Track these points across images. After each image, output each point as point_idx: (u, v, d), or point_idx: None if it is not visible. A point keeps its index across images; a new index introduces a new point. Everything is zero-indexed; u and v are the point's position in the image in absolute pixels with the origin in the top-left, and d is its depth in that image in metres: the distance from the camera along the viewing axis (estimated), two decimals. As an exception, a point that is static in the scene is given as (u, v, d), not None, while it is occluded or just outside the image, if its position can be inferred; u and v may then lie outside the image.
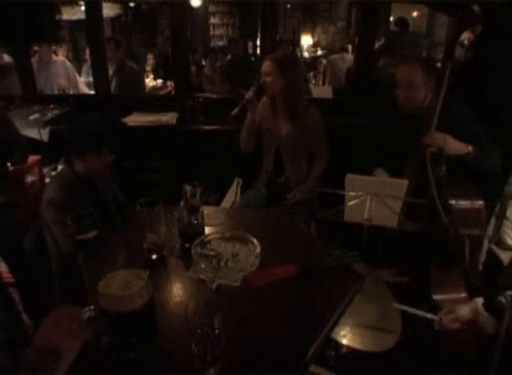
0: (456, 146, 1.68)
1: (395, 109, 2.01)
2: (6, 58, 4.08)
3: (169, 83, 4.81)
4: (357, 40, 3.14)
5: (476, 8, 1.56)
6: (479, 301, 1.32)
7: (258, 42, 4.21)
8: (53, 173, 2.51)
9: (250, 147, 2.31)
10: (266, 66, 2.13)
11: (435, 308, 1.60)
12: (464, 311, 1.31)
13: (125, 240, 1.32)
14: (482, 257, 1.93)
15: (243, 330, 0.93)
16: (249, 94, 2.13)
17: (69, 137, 1.77)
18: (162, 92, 4.64)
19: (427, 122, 1.74)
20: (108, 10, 5.78)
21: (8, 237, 2.10)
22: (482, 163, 1.72)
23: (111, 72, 3.59)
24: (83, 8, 3.73)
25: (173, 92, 3.59)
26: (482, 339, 1.28)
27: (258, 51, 4.55)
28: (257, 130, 2.27)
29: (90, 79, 3.74)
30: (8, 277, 2.26)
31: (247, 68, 4.50)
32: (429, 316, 1.32)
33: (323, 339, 0.87)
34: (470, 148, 1.69)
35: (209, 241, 1.25)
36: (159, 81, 4.99)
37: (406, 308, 1.27)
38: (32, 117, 2.73)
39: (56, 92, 3.59)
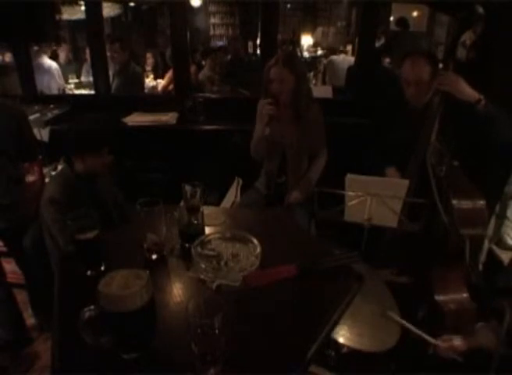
0: (467, 89, 1.66)
1: (396, 107, 2.02)
2: (7, 57, 4.08)
3: (159, 81, 4.90)
4: (357, 40, 3.14)
5: (479, 8, 1.56)
6: (484, 328, 1.30)
7: (258, 42, 4.21)
8: (53, 173, 2.51)
9: (263, 155, 2.27)
10: (280, 73, 2.04)
11: (435, 308, 1.61)
12: (463, 343, 1.30)
13: (125, 240, 1.33)
14: (482, 257, 1.93)
15: (243, 330, 0.92)
16: (272, 109, 2.02)
17: (69, 138, 1.78)
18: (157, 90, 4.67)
19: (428, 119, 1.75)
20: (108, 10, 5.78)
21: (8, 237, 2.11)
22: (495, 117, 1.67)
23: (112, 72, 3.60)
24: (83, 8, 3.73)
25: (173, 92, 3.59)
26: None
27: (258, 51, 4.55)
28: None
29: (91, 79, 3.75)
30: (13, 277, 2.27)
31: (248, 68, 4.50)
32: (427, 337, 1.31)
33: (323, 339, 0.87)
34: (482, 96, 1.66)
35: (209, 241, 1.25)
36: (159, 81, 4.99)
37: (404, 322, 1.26)
38: (32, 117, 2.73)
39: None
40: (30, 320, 2.23)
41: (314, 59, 6.70)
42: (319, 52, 7.45)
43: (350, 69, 3.97)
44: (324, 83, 5.24)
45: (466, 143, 1.80)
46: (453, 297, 1.62)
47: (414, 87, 1.86)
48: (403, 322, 1.27)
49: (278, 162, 2.24)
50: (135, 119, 3.02)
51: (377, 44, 3.72)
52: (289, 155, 2.21)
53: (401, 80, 1.92)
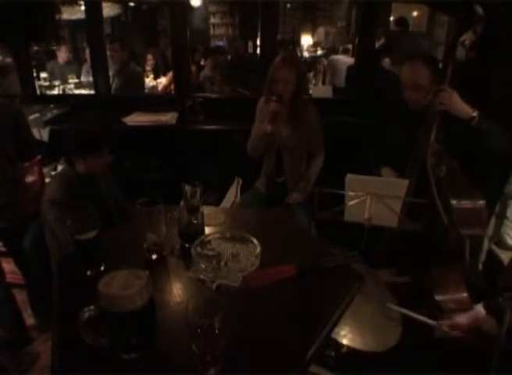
0: (462, 105, 1.68)
1: (396, 107, 2.02)
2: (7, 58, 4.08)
3: (159, 81, 4.92)
4: (357, 40, 3.14)
5: (478, 8, 1.56)
6: (480, 307, 1.30)
7: (258, 42, 4.21)
8: (53, 173, 2.51)
9: (260, 153, 2.28)
10: (286, 74, 2.05)
11: (435, 308, 1.61)
12: (463, 318, 1.30)
13: (125, 240, 1.33)
14: (482, 257, 1.93)
15: (243, 330, 0.92)
16: (277, 106, 2.01)
17: (69, 138, 1.78)
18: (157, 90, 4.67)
19: (427, 119, 1.75)
20: (108, 10, 5.77)
21: (7, 236, 2.11)
22: (489, 131, 1.68)
23: (112, 72, 3.60)
24: (83, 8, 3.73)
25: (173, 92, 3.59)
26: (482, 339, 1.28)
27: (258, 51, 4.54)
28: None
29: (90, 79, 3.75)
30: (12, 277, 2.27)
31: (247, 68, 4.50)
32: (429, 321, 1.31)
33: (323, 339, 0.87)
34: (476, 113, 1.67)
35: (209, 241, 1.25)
36: (159, 81, 4.99)
37: (405, 310, 1.26)
38: (32, 117, 2.73)
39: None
40: (30, 320, 2.23)
41: (314, 59, 6.70)
42: (319, 52, 7.45)
43: (350, 69, 3.96)
44: (324, 83, 5.24)
45: (465, 144, 1.80)
46: (453, 297, 1.62)
47: (412, 92, 1.87)
48: (403, 310, 1.27)
49: (274, 161, 2.25)
50: (135, 119, 3.02)
51: (377, 44, 3.72)
52: (286, 154, 2.22)
53: (400, 82, 1.93)
